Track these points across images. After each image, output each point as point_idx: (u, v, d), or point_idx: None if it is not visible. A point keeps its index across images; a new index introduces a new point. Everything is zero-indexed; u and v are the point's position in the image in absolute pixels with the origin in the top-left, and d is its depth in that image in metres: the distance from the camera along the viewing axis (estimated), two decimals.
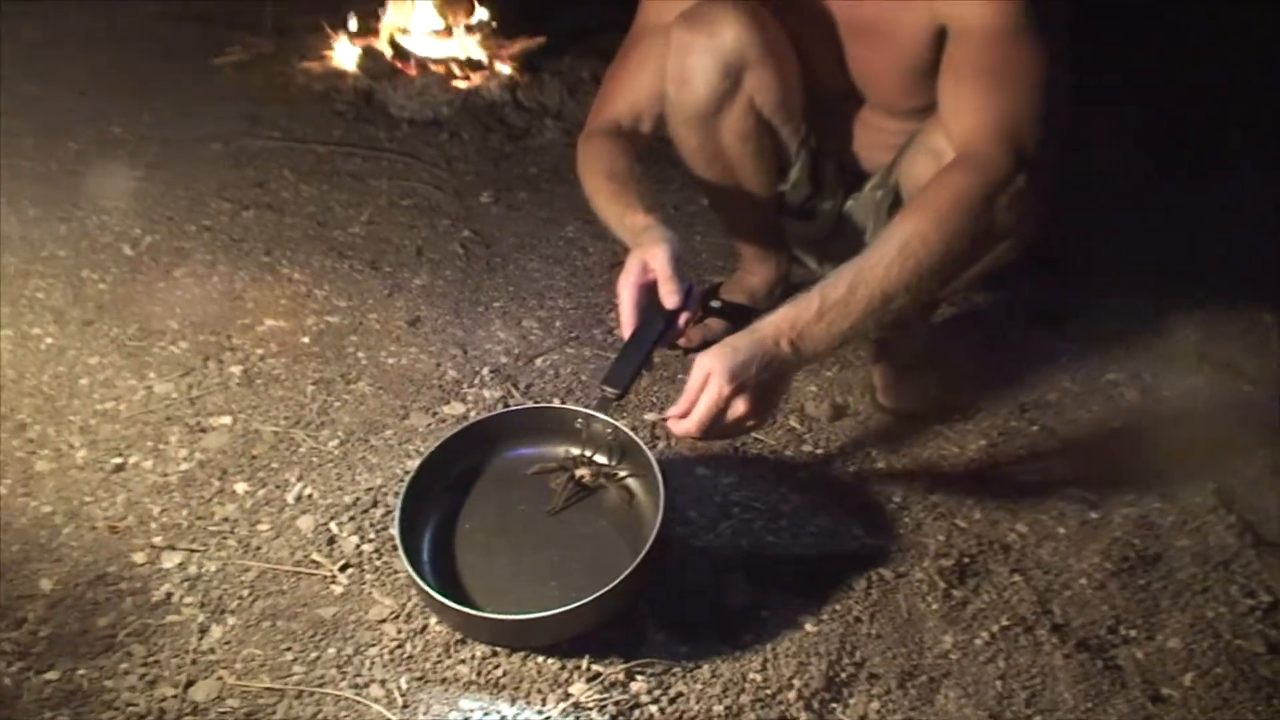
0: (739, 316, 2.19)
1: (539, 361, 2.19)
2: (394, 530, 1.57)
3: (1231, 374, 2.31)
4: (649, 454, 1.61)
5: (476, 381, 2.10)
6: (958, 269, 1.61)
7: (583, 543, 1.62)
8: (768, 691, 1.51)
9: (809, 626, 1.62)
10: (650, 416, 2.06)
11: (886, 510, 1.87)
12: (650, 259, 1.64)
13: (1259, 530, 1.90)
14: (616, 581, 1.46)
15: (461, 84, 3.36)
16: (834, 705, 1.52)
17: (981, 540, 1.82)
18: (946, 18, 1.69)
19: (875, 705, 1.52)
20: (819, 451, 2.01)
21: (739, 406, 1.50)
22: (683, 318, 1.67)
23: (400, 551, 1.52)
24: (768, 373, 1.51)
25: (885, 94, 1.93)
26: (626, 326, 1.65)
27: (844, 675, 1.56)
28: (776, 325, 1.52)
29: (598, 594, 1.45)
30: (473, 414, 2.01)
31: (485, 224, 2.70)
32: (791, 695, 1.51)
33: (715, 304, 2.30)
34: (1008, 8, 1.62)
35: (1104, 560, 1.80)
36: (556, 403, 2.06)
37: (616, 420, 1.66)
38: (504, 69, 3.46)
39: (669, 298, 1.63)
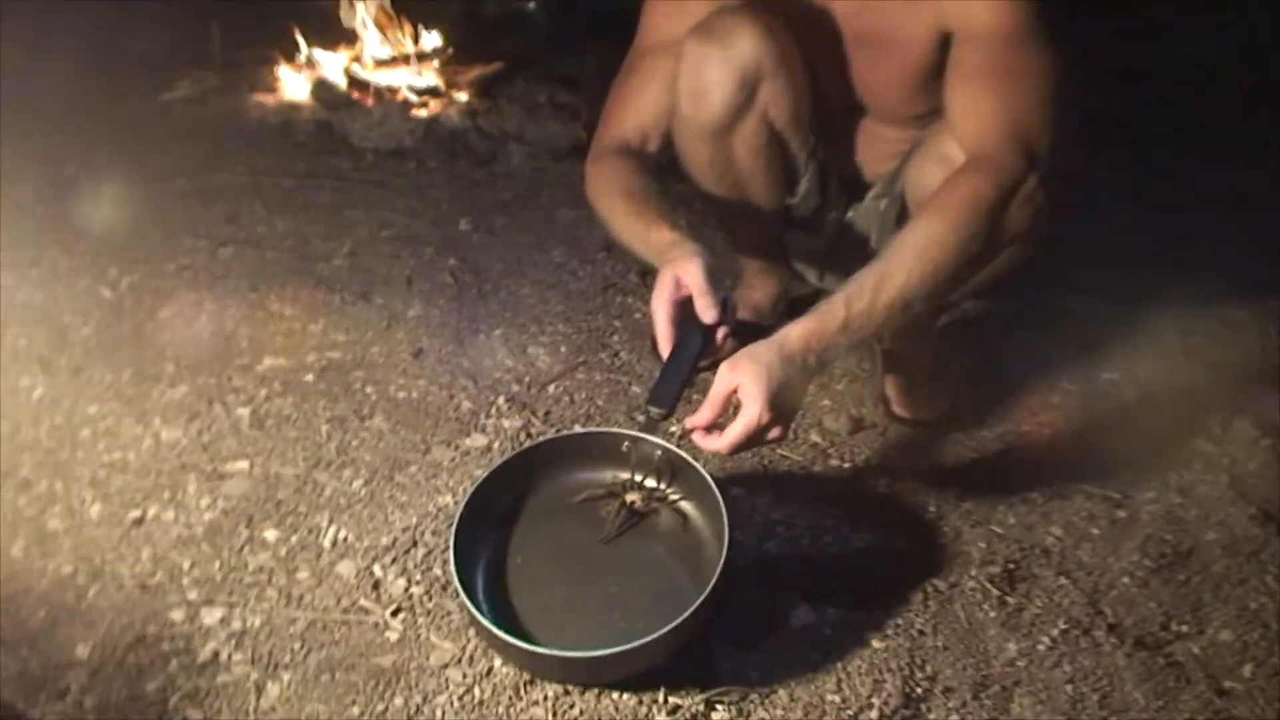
0: (744, 332, 2.16)
1: (552, 388, 2.14)
2: (451, 571, 1.49)
3: (1217, 370, 2.35)
4: (705, 474, 1.58)
5: (494, 411, 2.04)
6: (972, 271, 1.60)
7: (641, 570, 1.58)
8: (849, 712, 1.49)
9: (875, 643, 1.61)
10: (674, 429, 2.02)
11: (924, 520, 1.87)
12: (683, 274, 1.59)
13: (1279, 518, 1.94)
14: (693, 608, 1.42)
15: (421, 112, 3.30)
16: None
17: (1021, 545, 1.83)
18: (952, 22, 1.69)
19: (955, 719, 1.51)
20: (846, 465, 2.00)
21: (774, 432, 1.50)
22: (720, 332, 1.64)
23: (461, 593, 1.46)
24: (798, 390, 1.51)
25: (888, 102, 1.93)
26: (664, 345, 1.60)
27: (919, 690, 1.54)
28: (805, 340, 1.50)
29: (676, 622, 1.40)
30: (495, 445, 1.96)
31: (469, 251, 2.64)
32: (873, 715, 1.49)
33: None
34: (1016, 10, 1.62)
35: (1142, 558, 1.82)
36: (578, 428, 2.01)
37: (665, 441, 1.62)
38: (461, 96, 3.41)
39: (706, 312, 1.59)
